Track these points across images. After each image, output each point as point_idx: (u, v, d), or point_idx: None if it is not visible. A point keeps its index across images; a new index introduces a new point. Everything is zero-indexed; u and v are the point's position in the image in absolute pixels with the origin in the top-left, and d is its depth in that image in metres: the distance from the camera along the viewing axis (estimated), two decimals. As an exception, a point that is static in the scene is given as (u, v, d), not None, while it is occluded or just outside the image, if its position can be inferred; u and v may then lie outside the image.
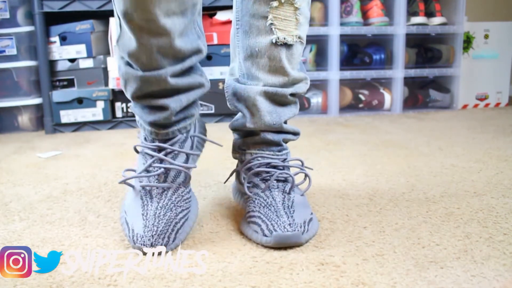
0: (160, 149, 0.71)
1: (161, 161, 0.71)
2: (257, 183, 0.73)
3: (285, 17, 0.70)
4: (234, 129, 0.80)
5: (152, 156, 0.71)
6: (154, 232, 0.62)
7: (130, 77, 0.69)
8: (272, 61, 0.72)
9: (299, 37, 0.72)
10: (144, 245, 0.61)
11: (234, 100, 0.77)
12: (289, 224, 0.63)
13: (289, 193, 0.71)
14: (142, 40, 0.63)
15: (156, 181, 0.69)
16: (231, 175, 0.84)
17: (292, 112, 0.78)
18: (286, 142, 0.79)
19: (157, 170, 0.70)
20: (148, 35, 0.63)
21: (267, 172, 0.74)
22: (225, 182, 0.88)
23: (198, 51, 0.70)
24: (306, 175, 0.76)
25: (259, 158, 0.75)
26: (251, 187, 0.73)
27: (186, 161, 0.73)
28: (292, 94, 0.76)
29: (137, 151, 0.76)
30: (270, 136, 0.76)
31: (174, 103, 0.70)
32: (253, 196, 0.71)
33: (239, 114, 0.79)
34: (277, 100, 0.75)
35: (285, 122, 0.78)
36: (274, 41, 0.70)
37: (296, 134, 0.80)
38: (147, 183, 0.69)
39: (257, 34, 0.71)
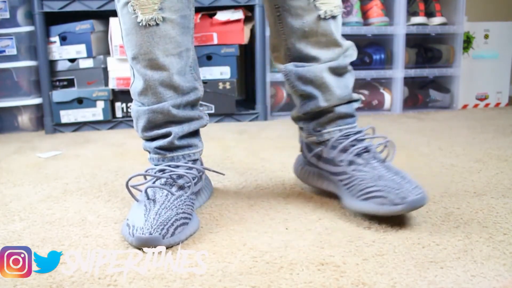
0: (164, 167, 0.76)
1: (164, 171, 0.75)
2: (352, 160, 0.75)
3: None
4: (302, 115, 0.81)
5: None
6: (153, 224, 0.64)
7: (141, 113, 0.77)
8: (324, 36, 0.74)
9: (340, 7, 0.75)
10: (143, 234, 0.62)
11: (300, 83, 0.78)
12: (414, 188, 0.67)
13: (385, 162, 0.74)
14: (147, 77, 0.74)
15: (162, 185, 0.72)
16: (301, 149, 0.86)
17: (352, 79, 0.80)
18: None
19: (163, 174, 0.73)
20: (152, 71, 0.74)
21: (355, 146, 0.76)
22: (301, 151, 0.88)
23: (195, 89, 0.79)
24: (386, 144, 0.78)
25: (342, 136, 0.77)
26: (345, 165, 0.75)
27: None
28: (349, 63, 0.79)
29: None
30: (344, 109, 0.77)
31: (177, 129, 0.77)
32: (356, 173, 0.73)
33: (297, 101, 0.81)
34: (340, 72, 0.77)
35: None
36: (322, 16, 0.72)
37: (359, 100, 0.81)
38: (151, 185, 0.71)
39: (302, 14, 0.73)
